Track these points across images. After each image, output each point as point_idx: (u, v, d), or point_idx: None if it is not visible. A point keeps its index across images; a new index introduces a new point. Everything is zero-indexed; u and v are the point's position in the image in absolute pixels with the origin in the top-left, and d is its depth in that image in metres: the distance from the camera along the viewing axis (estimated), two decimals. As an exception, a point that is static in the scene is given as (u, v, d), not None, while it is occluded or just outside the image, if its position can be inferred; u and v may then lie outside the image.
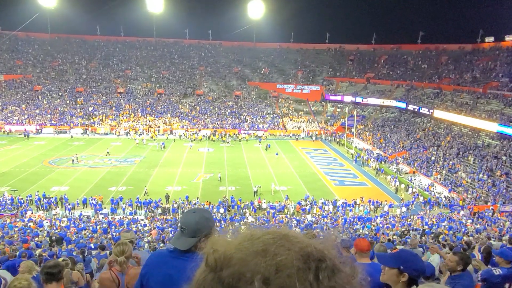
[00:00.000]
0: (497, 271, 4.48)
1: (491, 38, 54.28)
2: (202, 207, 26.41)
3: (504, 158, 31.37)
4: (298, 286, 0.63)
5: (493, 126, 35.52)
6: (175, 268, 2.03)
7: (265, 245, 0.69)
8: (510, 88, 40.46)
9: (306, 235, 0.75)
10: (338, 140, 51.10)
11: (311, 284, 0.64)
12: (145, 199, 27.38)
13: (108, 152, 39.41)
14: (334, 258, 0.70)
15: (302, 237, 0.73)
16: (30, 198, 26.74)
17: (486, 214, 24.81)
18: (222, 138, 49.30)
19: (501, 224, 21.44)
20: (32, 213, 25.07)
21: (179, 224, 2.12)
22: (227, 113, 57.37)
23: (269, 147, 44.87)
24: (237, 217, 25.46)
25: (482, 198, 27.76)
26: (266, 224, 22.73)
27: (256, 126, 54.36)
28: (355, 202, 28.25)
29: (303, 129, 54.80)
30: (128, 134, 49.45)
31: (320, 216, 25.38)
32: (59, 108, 53.92)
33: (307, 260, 0.66)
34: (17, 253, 11.06)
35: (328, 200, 28.14)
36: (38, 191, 27.30)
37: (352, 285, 0.68)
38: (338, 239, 0.74)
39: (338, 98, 61.16)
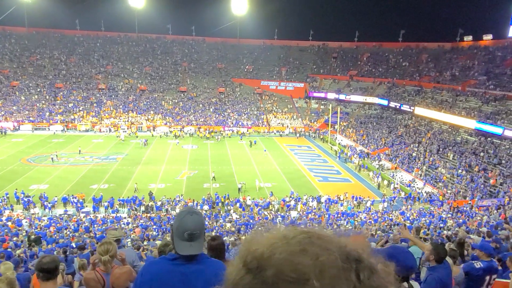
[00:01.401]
0: (478, 264, 4.60)
1: (470, 37, 55.65)
2: (185, 204, 26.23)
3: (482, 154, 32.26)
4: (343, 286, 0.63)
5: (471, 123, 36.45)
6: (187, 274, 2.00)
7: (303, 245, 0.68)
8: (487, 86, 41.59)
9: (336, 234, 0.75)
10: (321, 136, 51.54)
11: (354, 285, 0.64)
12: (140, 196, 27.19)
13: (80, 151, 38.02)
14: (369, 257, 0.70)
15: (336, 236, 0.72)
16: (7, 195, 25.89)
17: (465, 208, 25.48)
18: (206, 135, 49.05)
19: (479, 218, 22.06)
20: (10, 211, 24.37)
21: (186, 232, 1.99)
22: (211, 110, 57.06)
23: (255, 143, 45.10)
24: (221, 213, 25.39)
25: (461, 193, 28.49)
26: (251, 221, 22.76)
27: (240, 123, 54.26)
28: (338, 198, 28.57)
29: (287, 126, 55.02)
30: (110, 131, 48.63)
31: (305, 213, 25.58)
32: (38, 105, 52.47)
33: (347, 260, 0.66)
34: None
35: (312, 196, 28.37)
36: (16, 189, 26.58)
37: (390, 283, 0.69)
38: (368, 237, 0.78)
39: (322, 95, 61.66)
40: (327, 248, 0.67)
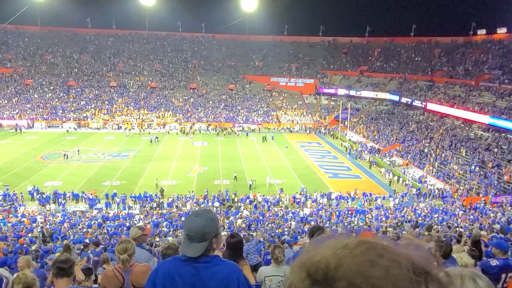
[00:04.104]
0: (494, 262, 4.55)
1: (483, 31, 54.49)
2: (196, 201, 26.41)
3: (495, 150, 31.72)
4: None
5: (485, 119, 35.84)
6: (197, 275, 1.99)
7: (368, 256, 0.67)
8: (502, 80, 40.79)
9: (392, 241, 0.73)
10: (332, 133, 51.26)
11: None
12: (155, 193, 27.36)
13: (78, 151, 37.59)
14: (436, 269, 0.69)
15: (400, 248, 0.71)
16: (8, 191, 26.27)
17: (478, 205, 25.12)
18: (223, 132, 49.25)
19: (493, 215, 21.72)
20: (25, 208, 24.88)
21: (185, 231, 2.02)
22: (221, 106, 57.19)
23: (272, 139, 45.68)
24: (232, 210, 25.50)
25: (474, 189, 28.10)
26: (261, 218, 22.82)
27: (250, 120, 54.30)
28: (349, 195, 28.42)
29: (297, 122, 54.85)
30: (119, 128, 49.29)
31: (315, 209, 25.53)
32: (51, 102, 53.29)
33: (417, 273, 0.66)
34: (12, 249, 11.02)
35: (322, 193, 28.27)
36: (34, 185, 27.12)
37: None
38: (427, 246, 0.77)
39: (332, 91, 61.19)
40: (396, 260, 0.66)
